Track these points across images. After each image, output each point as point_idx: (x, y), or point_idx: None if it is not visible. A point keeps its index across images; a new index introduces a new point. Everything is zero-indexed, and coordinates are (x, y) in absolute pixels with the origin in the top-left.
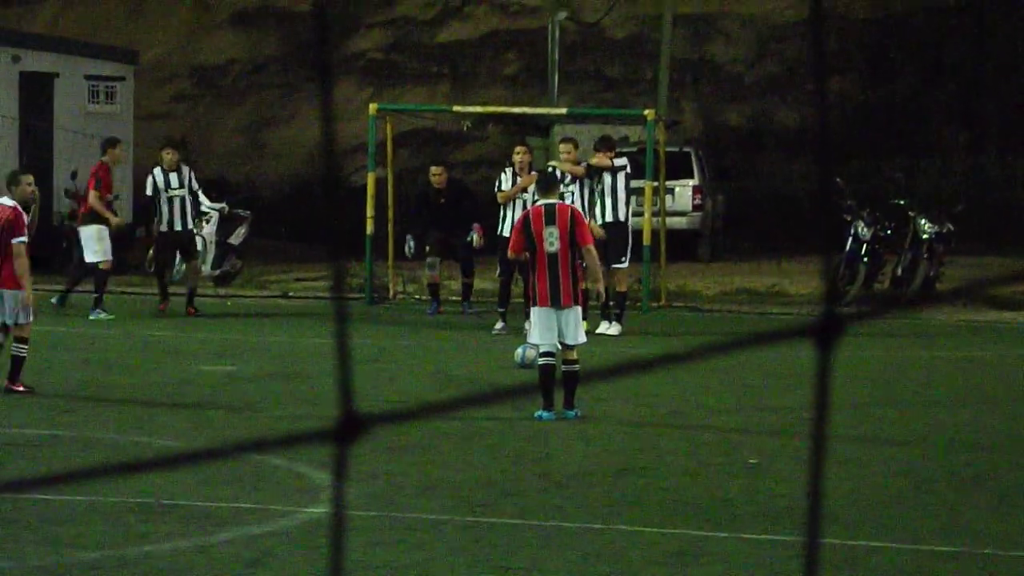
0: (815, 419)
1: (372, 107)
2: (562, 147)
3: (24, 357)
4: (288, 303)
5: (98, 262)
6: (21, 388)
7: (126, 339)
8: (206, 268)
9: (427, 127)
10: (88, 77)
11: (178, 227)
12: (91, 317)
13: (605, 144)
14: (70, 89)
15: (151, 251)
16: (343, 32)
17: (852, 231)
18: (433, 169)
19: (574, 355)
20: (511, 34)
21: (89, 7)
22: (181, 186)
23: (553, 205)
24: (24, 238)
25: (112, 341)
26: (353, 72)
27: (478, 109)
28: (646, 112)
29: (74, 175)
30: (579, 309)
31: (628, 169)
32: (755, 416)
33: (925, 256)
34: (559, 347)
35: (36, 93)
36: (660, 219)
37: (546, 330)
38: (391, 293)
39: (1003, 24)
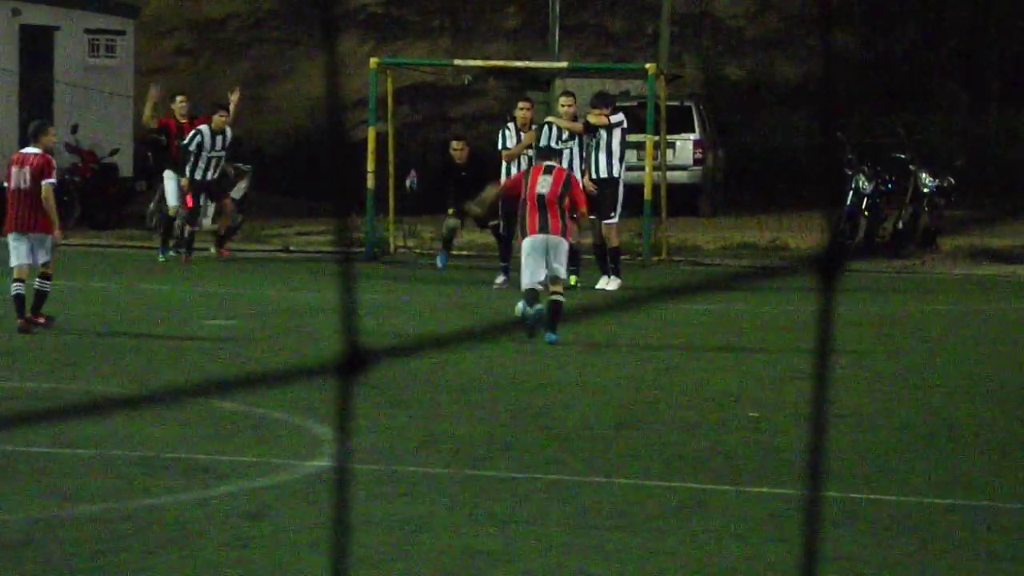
0: (819, 356)
1: (373, 61)
2: (562, 100)
3: (48, 292)
4: (289, 257)
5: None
6: (42, 320)
7: (127, 293)
8: (207, 222)
9: (428, 81)
10: (88, 31)
11: (210, 176)
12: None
13: (602, 101)
14: (70, 43)
15: (152, 205)
16: None
17: (853, 185)
18: (454, 144)
19: (559, 288)
20: None
21: None
22: (223, 148)
23: (552, 166)
24: (54, 180)
25: (113, 295)
26: (354, 26)
27: (479, 63)
28: (647, 66)
29: (74, 129)
30: (567, 245)
31: (624, 125)
32: (755, 370)
33: (926, 210)
34: (543, 287)
35: (36, 47)
36: (661, 173)
37: (536, 261)
38: (391, 248)
39: None
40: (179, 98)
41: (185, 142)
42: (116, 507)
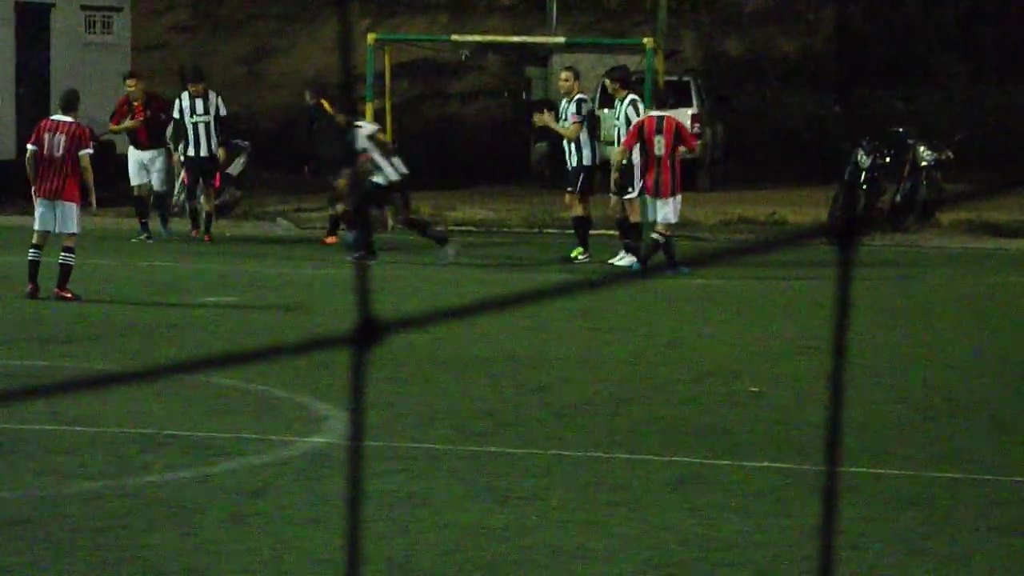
0: (837, 325)
1: (370, 37)
2: (562, 75)
3: (72, 265)
4: (288, 234)
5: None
6: (69, 295)
7: (127, 270)
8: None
9: (425, 57)
10: (85, 7)
11: (203, 152)
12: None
13: (619, 74)
14: (67, 19)
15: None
16: None
17: (851, 159)
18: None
19: (661, 228)
20: None
21: None
22: (206, 112)
23: (662, 117)
24: (91, 150)
25: (112, 272)
26: (351, 2)
27: (477, 39)
28: (645, 41)
29: None
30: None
31: (638, 102)
32: (755, 345)
33: (924, 184)
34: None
35: (32, 24)
36: None
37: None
38: (390, 224)
39: None
40: (129, 81)
41: (174, 114)
42: (116, 485)
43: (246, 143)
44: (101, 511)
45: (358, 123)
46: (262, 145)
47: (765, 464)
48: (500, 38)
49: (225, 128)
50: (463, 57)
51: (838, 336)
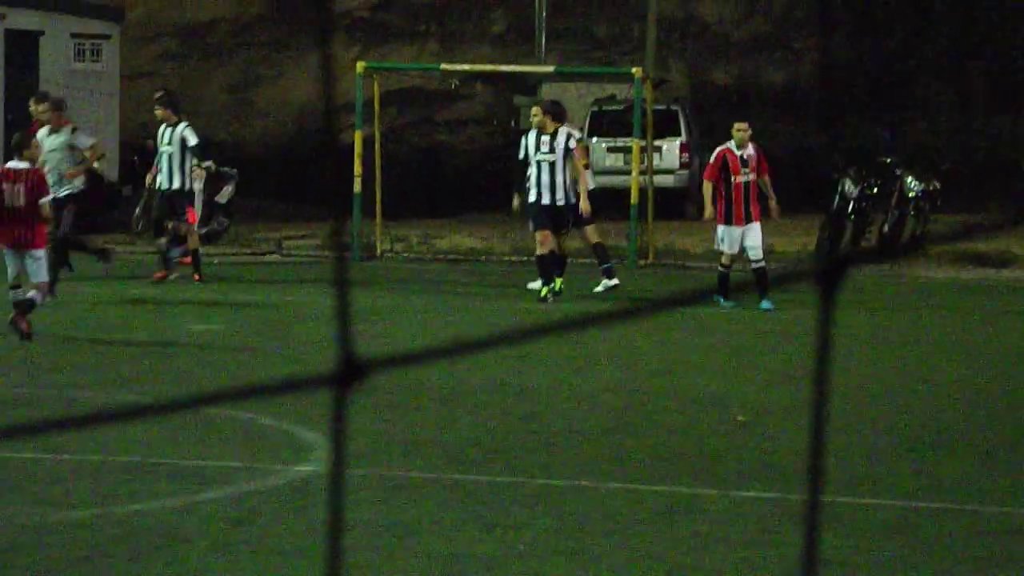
0: (817, 365)
1: (359, 65)
2: (532, 110)
3: (36, 302)
4: (276, 261)
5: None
6: (25, 326)
7: (113, 298)
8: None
9: (415, 86)
10: (74, 35)
11: (166, 186)
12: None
13: (554, 107)
14: (55, 47)
15: (137, 210)
16: None
17: (839, 189)
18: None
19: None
20: None
21: None
22: (169, 143)
23: (747, 159)
24: (51, 196)
25: (100, 300)
26: (340, 30)
27: (466, 68)
28: (633, 70)
29: None
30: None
31: (573, 135)
32: (744, 374)
33: (912, 214)
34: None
35: (21, 51)
36: (647, 177)
37: (733, 242)
38: (378, 252)
39: None
40: (38, 106)
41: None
42: (102, 513)
43: (234, 171)
44: (87, 540)
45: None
46: (250, 173)
47: (753, 493)
48: (489, 67)
49: (199, 156)
50: (452, 86)
51: (819, 375)
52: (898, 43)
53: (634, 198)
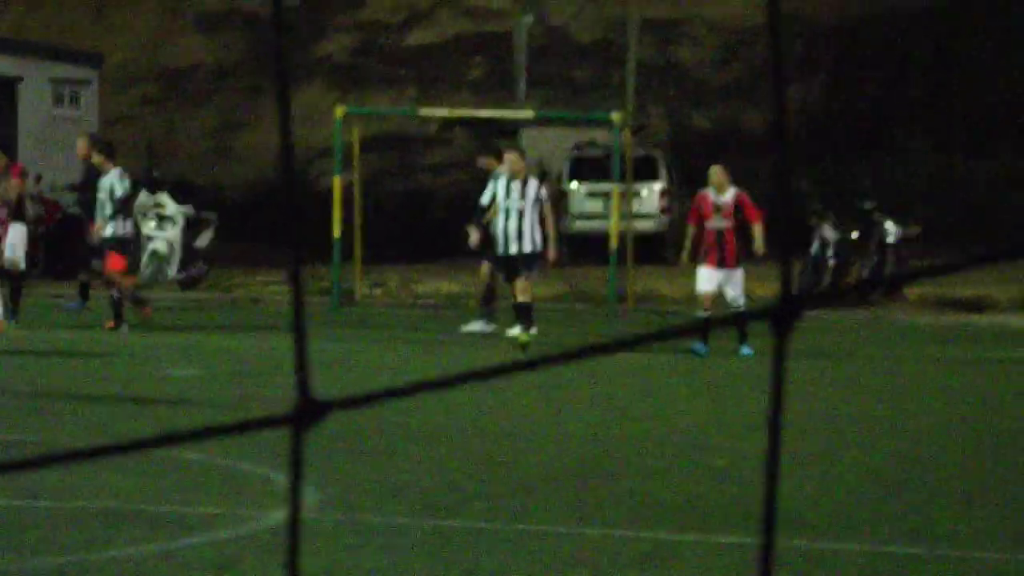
0: (772, 406)
1: (338, 110)
2: (511, 156)
3: None
4: (256, 306)
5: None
6: None
7: (91, 344)
8: (171, 272)
9: (394, 131)
10: (53, 80)
11: (99, 231)
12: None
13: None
14: (34, 93)
15: None
16: (310, 36)
17: (818, 233)
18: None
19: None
20: (477, 38)
21: (54, 10)
22: (100, 190)
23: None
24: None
25: (78, 344)
26: (319, 75)
27: (445, 113)
28: (612, 116)
29: (38, 179)
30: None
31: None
32: (722, 419)
33: (891, 259)
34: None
35: (0, 97)
36: (627, 222)
37: (703, 280)
38: (357, 296)
39: (967, 28)
40: None
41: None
42: (79, 560)
43: (213, 215)
44: None
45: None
46: (229, 217)
47: (732, 539)
48: (467, 112)
49: (117, 209)
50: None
51: (773, 418)
52: (877, 88)
53: (613, 243)
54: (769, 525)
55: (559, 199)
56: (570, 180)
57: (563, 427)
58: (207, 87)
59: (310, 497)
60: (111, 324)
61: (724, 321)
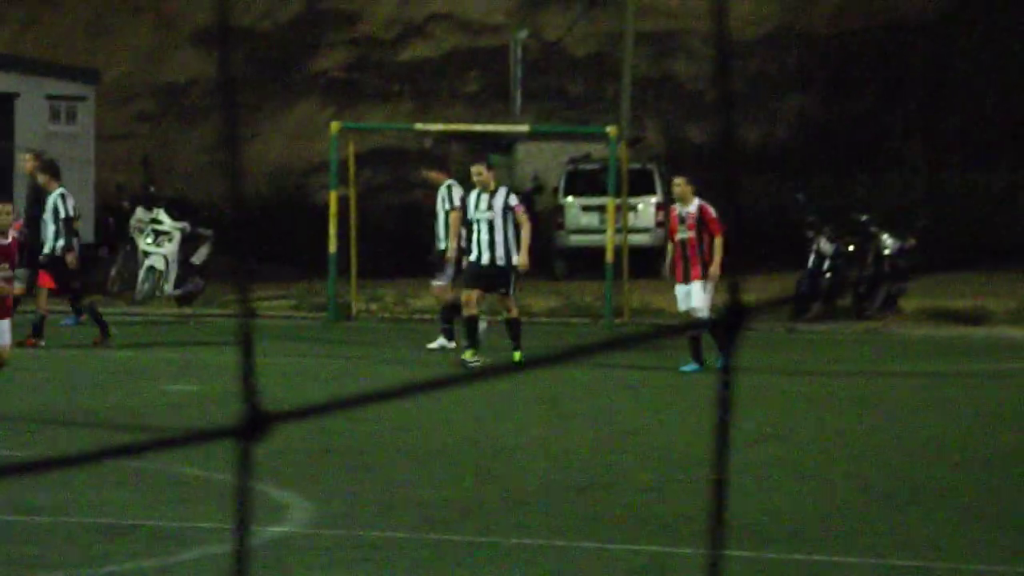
0: (720, 412)
1: (334, 126)
2: (474, 168)
3: None
4: (252, 322)
5: None
6: None
7: (89, 360)
8: (168, 287)
9: (389, 146)
10: (49, 97)
11: (40, 251)
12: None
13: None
14: (31, 109)
15: (113, 271)
16: (305, 51)
17: (814, 247)
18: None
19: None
20: (473, 52)
21: (50, 26)
22: (45, 209)
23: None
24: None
25: (75, 362)
26: (315, 91)
27: (440, 127)
28: (608, 129)
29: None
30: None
31: (455, 187)
32: None
33: (887, 271)
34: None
35: None
36: (622, 236)
37: (678, 299)
38: (353, 311)
39: (963, 40)
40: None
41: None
42: (77, 575)
43: (209, 231)
44: None
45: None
46: (225, 233)
47: (728, 552)
48: (464, 126)
49: (66, 231)
50: (426, 146)
51: (721, 424)
52: (873, 101)
53: (609, 257)
54: (718, 532)
55: (554, 213)
56: (565, 194)
57: (560, 442)
58: (203, 103)
59: (310, 513)
60: (31, 341)
61: (675, 330)
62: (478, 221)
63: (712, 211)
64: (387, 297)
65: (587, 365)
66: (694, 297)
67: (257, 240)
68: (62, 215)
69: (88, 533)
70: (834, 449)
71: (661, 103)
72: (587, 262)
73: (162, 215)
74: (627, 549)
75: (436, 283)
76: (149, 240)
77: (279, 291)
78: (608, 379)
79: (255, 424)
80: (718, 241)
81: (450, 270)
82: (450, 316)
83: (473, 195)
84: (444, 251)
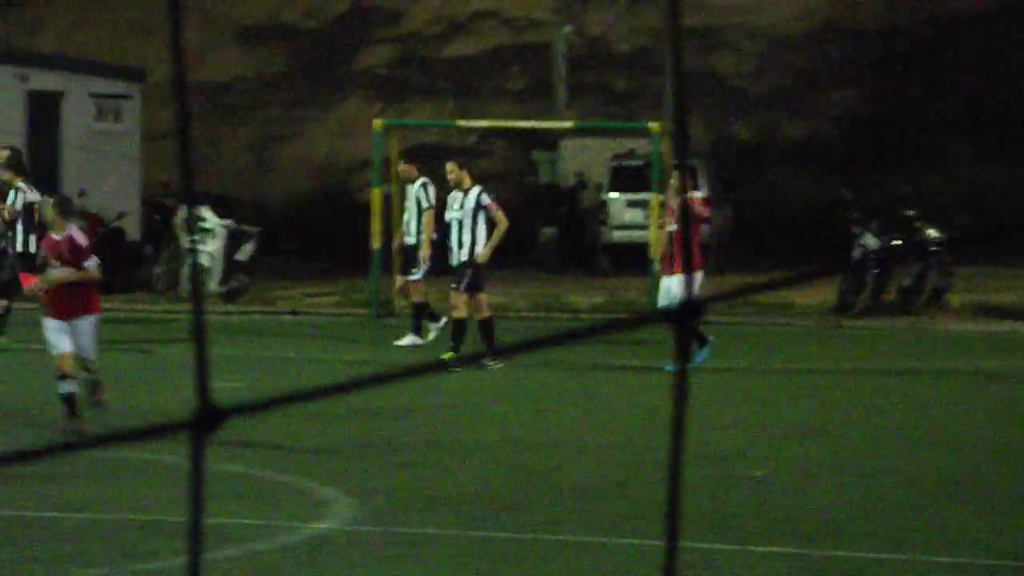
0: (675, 403)
1: (376, 123)
2: (447, 166)
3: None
4: (296, 319)
5: None
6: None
7: (133, 357)
8: (213, 285)
9: (433, 142)
10: (95, 95)
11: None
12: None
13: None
14: (77, 108)
15: (158, 269)
16: (349, 49)
17: (859, 242)
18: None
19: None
20: (517, 48)
21: (96, 25)
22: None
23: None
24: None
25: (120, 358)
26: (359, 88)
27: (483, 123)
28: (651, 125)
29: (81, 193)
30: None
31: (429, 185)
32: (760, 429)
33: (933, 266)
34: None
35: (43, 112)
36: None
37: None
38: (396, 308)
39: (1008, 36)
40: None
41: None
42: (117, 571)
43: (254, 229)
44: None
45: (20, 186)
46: (271, 231)
47: (769, 549)
48: (506, 123)
49: (25, 226)
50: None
51: (677, 415)
52: (920, 96)
53: (653, 253)
54: (672, 526)
55: (599, 209)
56: (610, 190)
57: (600, 438)
58: (247, 100)
59: (351, 509)
60: None
61: (622, 323)
62: (451, 221)
63: (697, 202)
64: (430, 294)
65: (625, 360)
66: (675, 291)
67: (301, 237)
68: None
69: (129, 530)
70: (876, 446)
71: (705, 98)
72: (631, 258)
73: (206, 212)
74: (663, 546)
75: (412, 278)
76: (194, 238)
77: (322, 288)
78: (648, 375)
79: (208, 417)
80: (693, 235)
81: (425, 267)
82: (421, 313)
83: (451, 195)
84: (417, 246)
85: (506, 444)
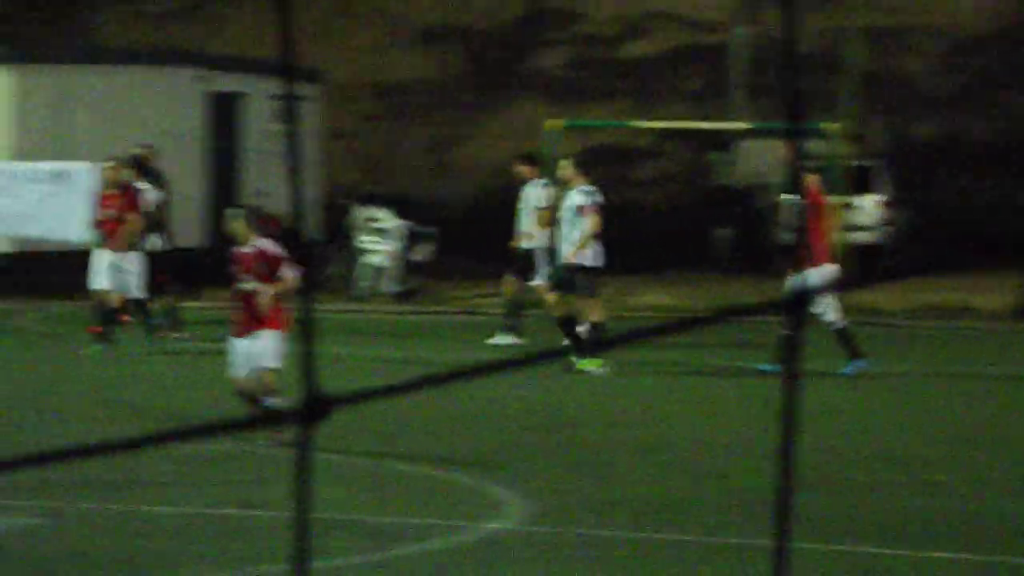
0: (786, 395)
1: (547, 123)
2: (561, 163)
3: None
4: (471, 319)
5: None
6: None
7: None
8: (387, 285)
9: (609, 143)
10: (273, 96)
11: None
12: None
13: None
14: (256, 109)
15: (331, 268)
16: (526, 50)
17: None
18: None
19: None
20: (693, 49)
21: (276, 27)
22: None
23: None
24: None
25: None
26: (537, 89)
27: (658, 124)
28: (827, 126)
29: (259, 194)
30: None
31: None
32: (937, 432)
33: None
34: None
35: (222, 113)
36: (844, 234)
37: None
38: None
39: None
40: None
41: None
42: (291, 569)
43: (431, 229)
44: None
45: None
46: (448, 232)
47: (948, 555)
48: (680, 124)
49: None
50: (642, 143)
51: (788, 405)
52: None
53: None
54: (784, 517)
55: (774, 210)
56: (785, 192)
57: (775, 440)
58: (424, 101)
59: (526, 509)
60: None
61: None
62: (561, 220)
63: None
64: (603, 295)
65: (807, 364)
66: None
67: (477, 238)
68: None
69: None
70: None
71: (886, 98)
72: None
73: (382, 213)
74: (843, 550)
75: (534, 283)
76: (368, 238)
77: (495, 289)
78: (827, 377)
79: (315, 408)
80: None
81: (541, 268)
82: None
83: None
84: (529, 249)
85: (683, 445)
